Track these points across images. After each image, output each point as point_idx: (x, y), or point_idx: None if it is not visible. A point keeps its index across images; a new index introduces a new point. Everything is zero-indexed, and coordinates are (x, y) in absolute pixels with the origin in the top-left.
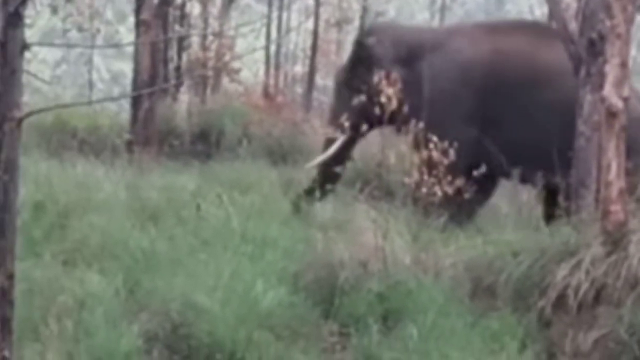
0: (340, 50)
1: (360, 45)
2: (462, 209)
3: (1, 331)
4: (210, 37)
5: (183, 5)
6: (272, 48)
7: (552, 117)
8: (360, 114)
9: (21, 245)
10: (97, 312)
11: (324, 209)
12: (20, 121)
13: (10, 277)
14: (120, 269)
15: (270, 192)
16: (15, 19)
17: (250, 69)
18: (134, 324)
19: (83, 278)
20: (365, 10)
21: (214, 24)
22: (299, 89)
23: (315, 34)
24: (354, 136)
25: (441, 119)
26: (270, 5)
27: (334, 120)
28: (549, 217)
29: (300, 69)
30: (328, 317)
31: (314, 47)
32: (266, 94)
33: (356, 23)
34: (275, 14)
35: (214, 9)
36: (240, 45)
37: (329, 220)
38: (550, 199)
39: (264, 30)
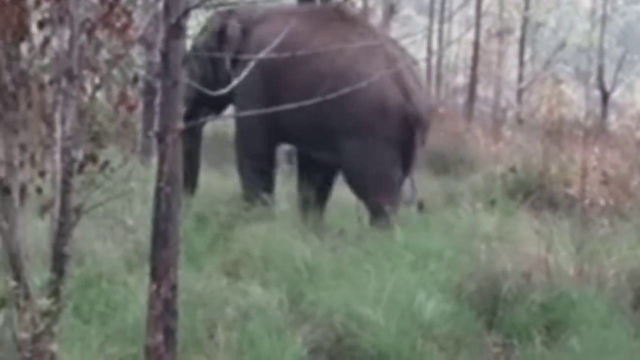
0: (501, 60)
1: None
2: None
3: (165, 342)
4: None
5: None
6: (434, 59)
7: None
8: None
9: (184, 257)
10: (261, 324)
11: (487, 220)
12: (181, 132)
13: (174, 288)
14: (283, 280)
15: (433, 203)
16: (177, 31)
17: None
18: (298, 335)
19: (246, 289)
20: (526, 20)
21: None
22: (461, 100)
23: (476, 44)
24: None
25: (242, 102)
26: (431, 16)
27: None
28: None
29: (461, 79)
30: (491, 328)
31: (475, 58)
32: None
33: (517, 33)
34: (436, 26)
35: (375, 20)
36: None
37: (492, 231)
38: None
39: (425, 41)
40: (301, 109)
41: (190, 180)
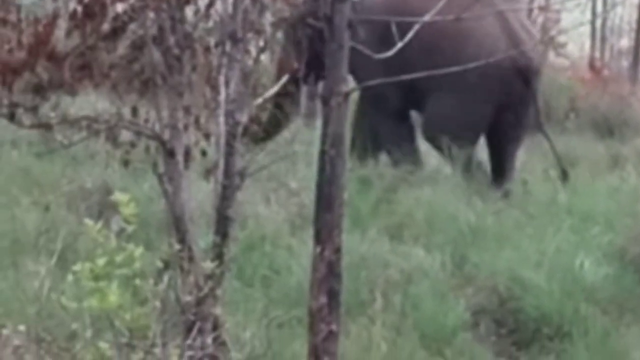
0: None
1: None
2: None
3: (329, 305)
4: (536, 11)
5: None
6: (598, 22)
7: None
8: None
9: (347, 220)
10: (424, 286)
11: None
12: (347, 95)
13: (338, 250)
14: (447, 243)
15: (597, 166)
16: None
17: (576, 43)
18: (461, 297)
19: (409, 252)
20: None
21: None
22: (625, 62)
23: None
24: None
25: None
26: None
27: None
28: None
29: (626, 42)
30: None
31: None
32: (592, 67)
33: None
34: None
35: None
36: (565, 19)
37: None
38: None
39: (589, 4)
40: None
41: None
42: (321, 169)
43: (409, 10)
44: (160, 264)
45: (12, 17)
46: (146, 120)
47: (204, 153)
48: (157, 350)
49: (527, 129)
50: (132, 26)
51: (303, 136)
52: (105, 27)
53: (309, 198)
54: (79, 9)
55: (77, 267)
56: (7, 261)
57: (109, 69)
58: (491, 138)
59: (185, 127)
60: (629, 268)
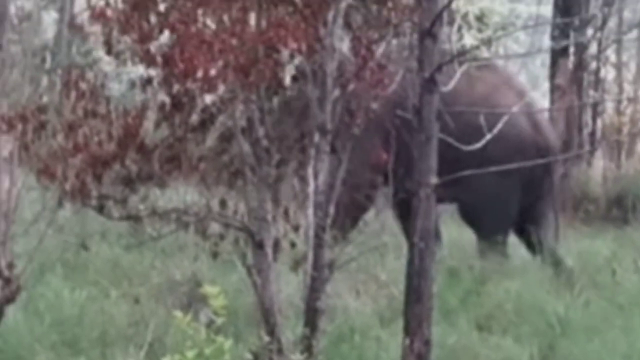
0: None
1: None
2: None
3: None
4: (624, 102)
5: (598, 71)
6: None
7: None
8: None
9: (437, 312)
10: None
11: None
12: (435, 188)
13: (427, 342)
14: (535, 334)
15: None
16: (430, 85)
17: None
18: None
19: (498, 344)
20: None
21: (628, 89)
22: None
23: None
24: None
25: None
26: None
27: None
28: None
29: None
30: None
31: None
32: None
33: None
34: None
35: (629, 74)
36: None
37: None
38: None
39: None
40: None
41: None
42: (410, 261)
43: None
44: (249, 357)
45: (102, 109)
46: (235, 212)
47: (292, 245)
48: None
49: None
50: (221, 118)
51: (392, 228)
52: (194, 118)
53: (398, 290)
54: (168, 100)
55: (166, 359)
56: (96, 353)
57: (198, 160)
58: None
59: (274, 219)
60: None
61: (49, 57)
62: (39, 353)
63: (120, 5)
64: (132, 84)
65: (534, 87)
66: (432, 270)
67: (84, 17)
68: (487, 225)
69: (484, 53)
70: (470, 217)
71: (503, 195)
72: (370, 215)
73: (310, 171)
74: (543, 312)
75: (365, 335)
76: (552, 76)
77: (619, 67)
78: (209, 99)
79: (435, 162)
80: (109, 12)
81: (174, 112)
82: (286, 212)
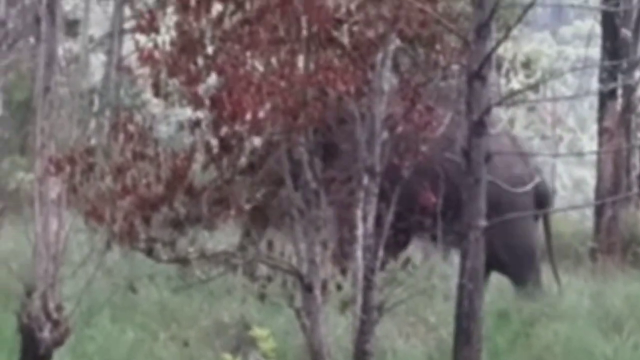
0: None
1: None
2: None
3: None
4: None
5: None
6: None
7: None
8: None
9: (486, 354)
10: None
11: None
12: (485, 230)
13: None
14: None
15: None
16: (479, 128)
17: None
18: None
19: None
20: None
21: None
22: None
23: None
24: None
25: None
26: None
27: None
28: None
29: None
30: None
31: None
32: None
33: None
34: None
35: None
36: None
37: None
38: None
39: None
40: None
41: None
42: (459, 303)
43: None
44: None
45: (150, 151)
46: (282, 254)
47: (339, 287)
48: None
49: None
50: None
51: (441, 270)
52: (242, 161)
53: (447, 332)
54: (216, 142)
55: None
56: None
57: (246, 202)
58: None
59: (323, 261)
60: None
61: (97, 99)
62: None
63: (168, 48)
64: (180, 126)
65: (582, 130)
66: (481, 312)
67: (132, 59)
68: (518, 269)
69: (532, 96)
70: (500, 262)
71: (527, 238)
72: (418, 258)
73: (359, 214)
74: (592, 355)
75: None
76: (600, 119)
77: None
78: (257, 141)
79: (484, 205)
80: (157, 55)
81: (222, 155)
82: (335, 255)
